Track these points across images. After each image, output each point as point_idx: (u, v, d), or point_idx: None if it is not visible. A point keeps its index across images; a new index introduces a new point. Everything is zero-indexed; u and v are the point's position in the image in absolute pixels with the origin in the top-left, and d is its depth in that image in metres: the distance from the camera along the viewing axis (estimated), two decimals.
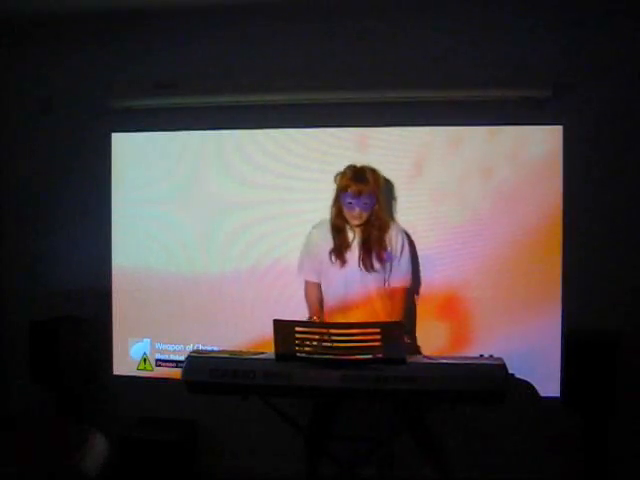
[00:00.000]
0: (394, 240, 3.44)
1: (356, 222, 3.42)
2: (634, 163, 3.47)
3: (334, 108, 3.65)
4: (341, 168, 3.48)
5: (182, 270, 3.80)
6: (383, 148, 3.59)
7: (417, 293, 3.54)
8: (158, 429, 3.75)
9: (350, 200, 3.39)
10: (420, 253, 3.53)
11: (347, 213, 3.41)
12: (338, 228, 3.45)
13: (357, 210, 3.39)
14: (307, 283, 3.55)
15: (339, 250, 3.45)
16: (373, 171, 3.42)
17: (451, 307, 3.54)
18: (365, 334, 2.85)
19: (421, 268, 3.53)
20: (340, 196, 3.42)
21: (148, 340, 3.84)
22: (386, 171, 3.50)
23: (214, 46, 3.81)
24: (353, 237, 3.46)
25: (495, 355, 3.03)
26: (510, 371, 2.86)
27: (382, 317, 3.39)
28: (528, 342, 3.43)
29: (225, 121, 3.76)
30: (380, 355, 2.80)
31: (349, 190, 3.38)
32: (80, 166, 3.96)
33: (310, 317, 3.48)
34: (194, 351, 3.35)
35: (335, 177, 3.46)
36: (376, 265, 3.43)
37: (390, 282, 3.45)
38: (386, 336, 2.79)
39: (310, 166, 3.65)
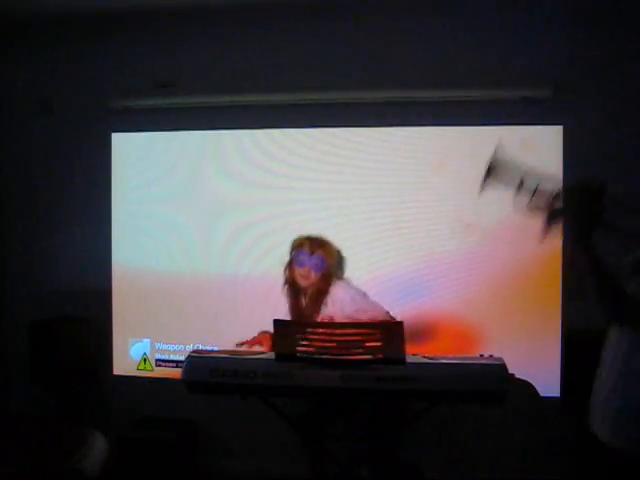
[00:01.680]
0: (342, 298, 3.40)
1: (305, 282, 3.42)
2: (634, 163, 3.47)
3: (334, 108, 3.66)
4: (341, 168, 3.50)
5: (182, 270, 3.81)
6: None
7: None
8: (158, 429, 3.75)
9: (302, 257, 3.42)
10: (423, 256, 3.53)
11: (297, 271, 3.42)
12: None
13: (307, 267, 3.40)
14: None
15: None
16: (326, 242, 3.44)
17: (451, 307, 3.54)
18: (365, 334, 2.85)
19: (423, 270, 3.53)
20: (292, 255, 3.45)
21: (148, 340, 3.84)
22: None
23: (214, 46, 3.82)
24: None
25: (495, 355, 3.04)
26: (510, 371, 2.86)
27: None
28: (528, 342, 3.43)
29: (225, 121, 3.76)
30: (380, 355, 2.81)
31: (303, 248, 3.42)
32: (80, 166, 3.96)
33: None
34: (194, 351, 3.33)
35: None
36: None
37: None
38: (386, 336, 2.80)
39: (310, 166, 3.65)
